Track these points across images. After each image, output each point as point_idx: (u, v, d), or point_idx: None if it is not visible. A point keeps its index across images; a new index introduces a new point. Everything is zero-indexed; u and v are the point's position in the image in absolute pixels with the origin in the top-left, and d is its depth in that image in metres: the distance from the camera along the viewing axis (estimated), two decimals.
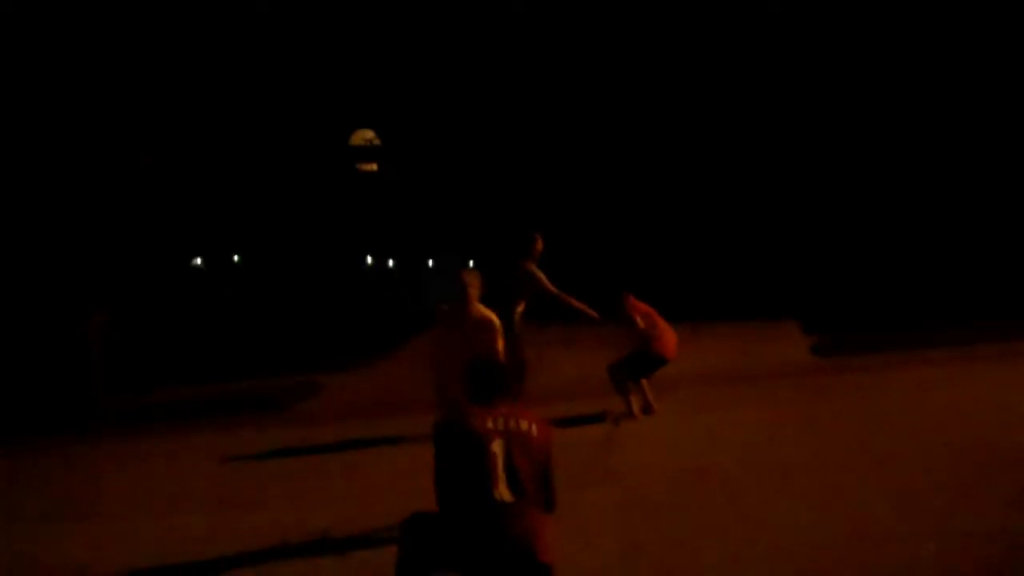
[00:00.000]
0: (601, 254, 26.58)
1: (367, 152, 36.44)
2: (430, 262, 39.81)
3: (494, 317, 8.45)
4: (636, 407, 10.36)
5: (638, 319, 10.34)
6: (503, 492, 4.32)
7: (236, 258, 38.32)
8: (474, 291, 8.54)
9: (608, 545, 5.97)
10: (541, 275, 10.56)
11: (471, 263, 37.13)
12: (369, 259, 41.32)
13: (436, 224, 36.05)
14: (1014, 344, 13.35)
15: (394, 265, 41.25)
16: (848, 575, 5.17)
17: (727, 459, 8.10)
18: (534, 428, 4.56)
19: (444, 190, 34.99)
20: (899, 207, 24.94)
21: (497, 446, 4.41)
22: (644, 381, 10.46)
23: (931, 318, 16.42)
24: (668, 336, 10.39)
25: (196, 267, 36.77)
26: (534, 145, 31.25)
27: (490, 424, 4.47)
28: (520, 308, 10.56)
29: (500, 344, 8.26)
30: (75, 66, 28.35)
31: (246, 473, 9.49)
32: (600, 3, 29.88)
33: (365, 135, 36.38)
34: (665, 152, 28.47)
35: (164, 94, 31.49)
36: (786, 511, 6.36)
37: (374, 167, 36.49)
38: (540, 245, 10.71)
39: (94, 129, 28.61)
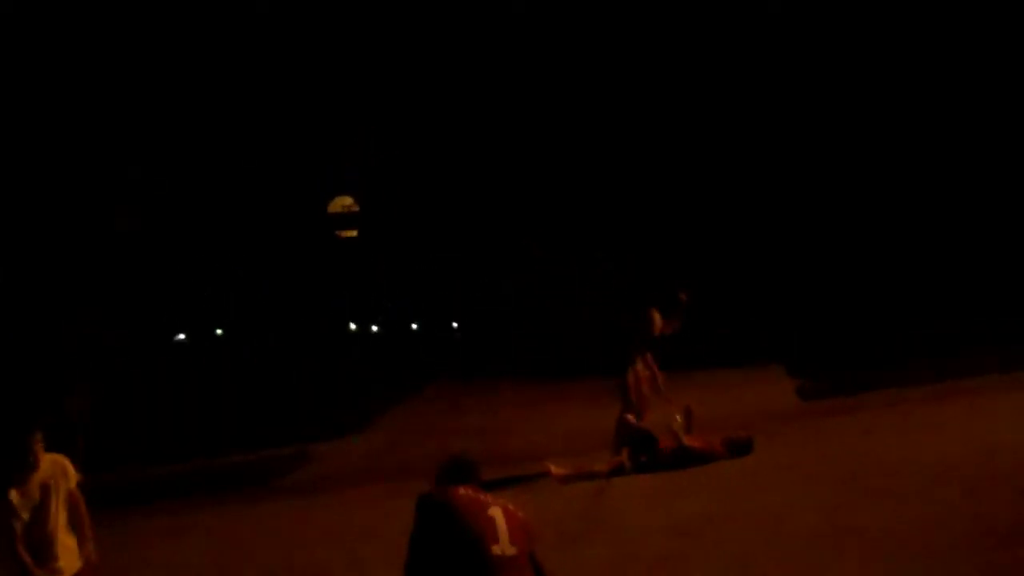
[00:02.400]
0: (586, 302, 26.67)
1: (346, 219, 36.61)
2: (414, 326, 39.83)
3: None
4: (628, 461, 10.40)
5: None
6: (505, 548, 4.38)
7: (219, 331, 38.25)
8: None
9: None
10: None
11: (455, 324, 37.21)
12: (352, 325, 41.30)
13: (419, 288, 36.11)
14: (991, 378, 13.46)
15: (378, 330, 41.24)
16: None
17: (716, 508, 8.12)
18: (516, 510, 4.64)
19: (426, 253, 35.07)
20: (875, 248, 25.16)
21: (495, 511, 4.48)
22: None
23: (912, 355, 16.53)
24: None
25: (180, 342, 36.68)
26: (507, 209, 31.44)
27: (483, 496, 4.56)
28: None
29: None
30: (44, 130, 28.45)
31: (241, 549, 9.44)
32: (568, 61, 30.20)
33: (343, 202, 36.59)
34: (646, 198, 28.64)
35: (144, 164, 31.60)
36: (776, 558, 6.38)
37: (354, 233, 36.64)
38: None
39: (68, 190, 28.64)
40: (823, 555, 6.24)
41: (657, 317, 10.90)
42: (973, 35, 24.69)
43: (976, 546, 5.87)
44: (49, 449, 5.89)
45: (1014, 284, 21.15)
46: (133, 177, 31.67)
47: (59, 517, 5.78)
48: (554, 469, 10.51)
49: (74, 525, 5.88)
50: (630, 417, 10.80)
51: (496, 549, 4.37)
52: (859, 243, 25.51)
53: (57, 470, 5.82)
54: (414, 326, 40.03)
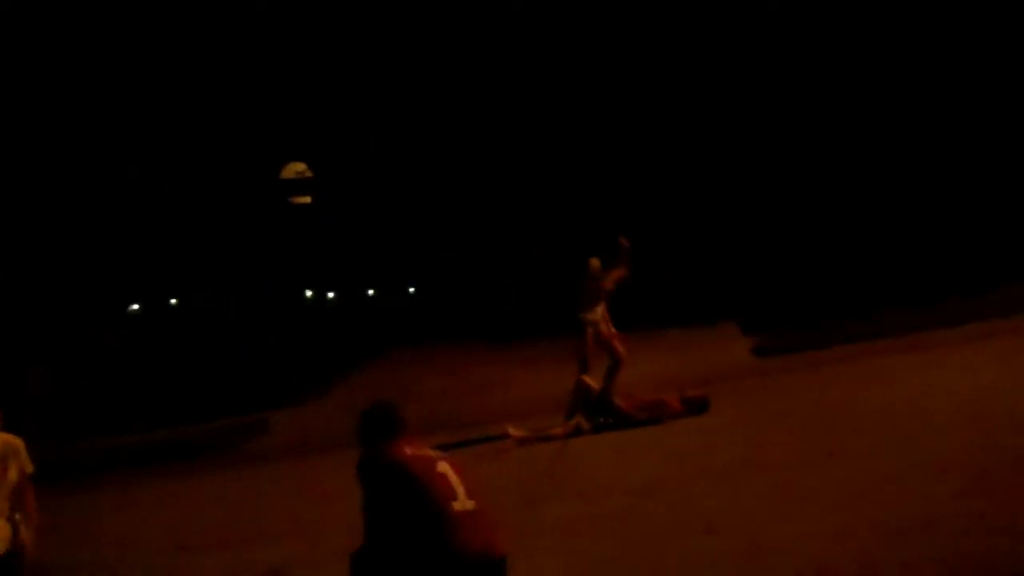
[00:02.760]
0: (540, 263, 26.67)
1: (299, 185, 36.25)
2: (370, 292, 39.64)
3: None
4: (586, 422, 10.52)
5: None
6: (464, 502, 4.39)
7: (173, 301, 37.84)
8: None
9: (572, 559, 6.03)
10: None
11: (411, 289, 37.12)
12: (308, 292, 41.03)
13: (376, 254, 35.88)
14: (945, 331, 13.69)
15: (334, 297, 41.01)
16: (805, 571, 5.27)
17: (675, 466, 8.22)
18: (444, 455, 4.66)
19: (382, 219, 34.83)
20: (830, 202, 25.36)
21: (443, 466, 4.48)
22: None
23: (864, 312, 16.75)
24: None
25: (133, 312, 36.25)
26: (466, 172, 31.30)
27: (427, 449, 4.56)
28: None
29: None
30: None
31: (201, 516, 9.43)
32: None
33: (296, 167, 36.19)
34: (602, 158, 28.62)
35: (95, 131, 31.09)
36: (735, 514, 6.46)
37: (307, 200, 36.31)
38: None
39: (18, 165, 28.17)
40: (782, 509, 6.32)
41: (597, 265, 11.01)
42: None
43: (931, 497, 5.97)
44: (9, 428, 5.71)
45: (970, 240, 21.47)
46: (86, 154, 31.14)
47: None
48: (512, 431, 10.59)
49: (16, 509, 5.62)
50: (587, 379, 10.93)
51: (457, 505, 4.37)
52: (815, 202, 25.69)
53: (9, 450, 5.61)
54: (370, 292, 39.84)
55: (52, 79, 30.02)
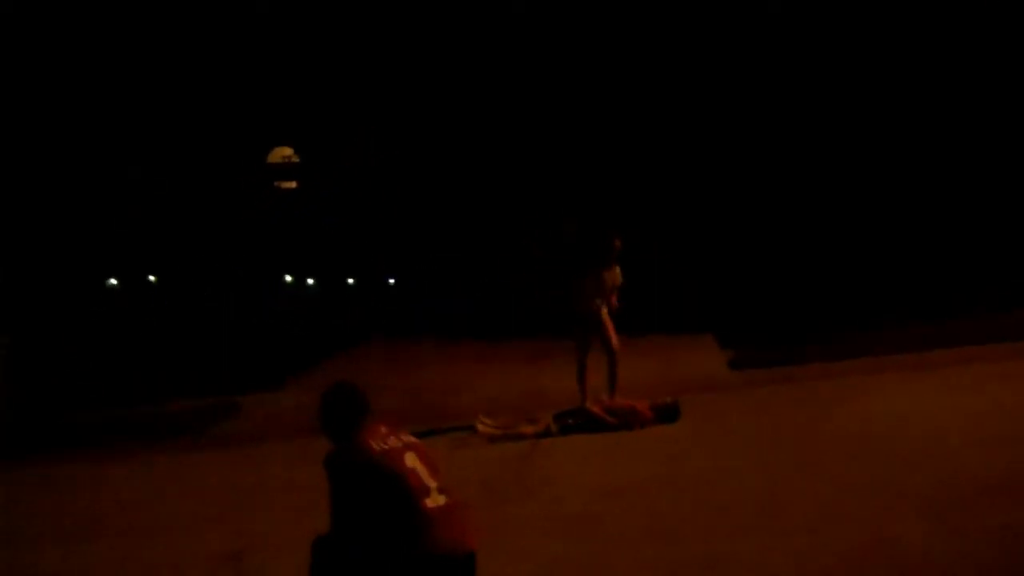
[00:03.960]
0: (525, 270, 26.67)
1: (285, 170, 36.17)
2: (350, 281, 39.58)
3: None
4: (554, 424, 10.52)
5: None
6: (436, 498, 4.35)
7: (152, 278, 37.68)
8: None
9: (531, 560, 6.01)
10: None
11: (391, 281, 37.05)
12: (288, 278, 40.95)
13: (357, 242, 35.82)
14: (922, 355, 13.74)
15: (314, 283, 40.94)
16: None
17: (643, 473, 8.22)
18: (412, 438, 4.60)
19: (367, 208, 34.76)
20: (808, 219, 25.44)
21: (411, 459, 4.43)
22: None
23: (843, 329, 16.80)
24: None
25: (111, 287, 36.09)
26: (454, 165, 31.25)
27: (392, 440, 4.49)
28: None
29: None
30: None
31: (161, 498, 9.37)
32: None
33: (283, 152, 36.11)
34: (580, 168, 28.63)
35: (76, 107, 30.89)
36: (698, 523, 6.47)
37: (293, 185, 36.22)
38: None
39: None
40: (745, 523, 6.32)
41: (595, 266, 11.15)
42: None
43: (899, 514, 5.99)
44: None
45: (950, 260, 21.59)
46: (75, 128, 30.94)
47: None
48: (482, 427, 10.57)
49: None
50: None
51: (429, 502, 4.34)
52: (800, 219, 25.76)
53: None
54: (350, 281, 39.78)
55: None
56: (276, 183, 36.75)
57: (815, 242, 24.73)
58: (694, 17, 27.62)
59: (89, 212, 31.57)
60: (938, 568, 5.08)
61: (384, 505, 4.33)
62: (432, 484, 4.38)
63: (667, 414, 10.41)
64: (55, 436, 14.06)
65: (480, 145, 30.68)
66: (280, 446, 11.95)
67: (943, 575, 5.01)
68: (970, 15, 24.26)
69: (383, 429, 4.58)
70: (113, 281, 36.33)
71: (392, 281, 37.51)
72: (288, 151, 35.92)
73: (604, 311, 11.28)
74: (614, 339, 11.29)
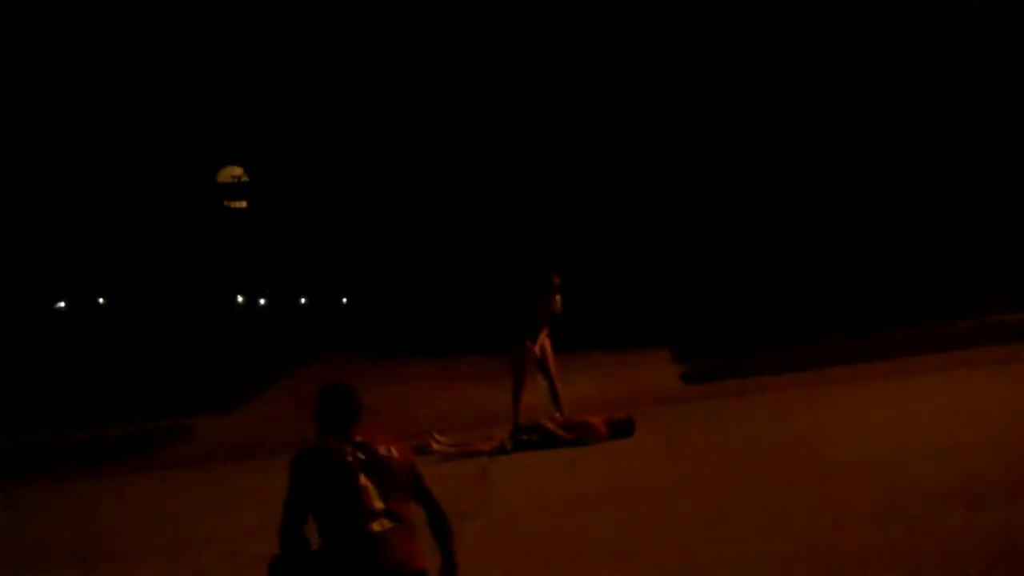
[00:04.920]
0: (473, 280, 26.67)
1: (235, 189, 35.87)
2: (302, 300, 39.34)
3: None
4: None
5: None
6: (382, 522, 4.31)
7: (101, 300, 37.21)
8: None
9: None
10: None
11: (344, 300, 36.86)
12: (240, 298, 40.61)
13: (308, 261, 35.61)
14: (872, 365, 13.92)
15: (265, 303, 40.64)
16: None
17: (596, 488, 8.23)
18: (393, 451, 4.55)
19: (317, 226, 34.59)
20: (760, 234, 25.70)
21: (364, 479, 4.39)
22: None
23: (795, 342, 16.95)
24: None
25: (59, 310, 35.59)
26: (405, 182, 31.22)
27: (351, 457, 4.44)
28: None
29: None
30: None
31: (116, 521, 9.24)
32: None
33: (233, 171, 35.82)
34: (529, 182, 28.71)
35: (15, 130, 30.49)
36: (653, 538, 6.48)
37: (243, 204, 35.93)
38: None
39: None
40: (700, 535, 6.35)
41: (535, 298, 11.52)
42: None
43: (847, 529, 6.04)
44: None
45: (897, 271, 21.90)
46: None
47: None
48: (436, 445, 10.54)
49: None
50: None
51: (376, 526, 4.30)
52: (748, 232, 26.01)
53: None
54: (303, 300, 39.54)
55: None
56: (226, 202, 36.41)
57: (766, 255, 24.98)
58: (655, 42, 27.87)
59: (36, 235, 31.14)
60: (890, 571, 5.13)
61: (325, 517, 4.33)
62: (379, 506, 4.34)
63: (622, 429, 10.45)
64: (3, 460, 13.80)
65: (430, 162, 30.69)
66: (231, 468, 11.85)
67: None
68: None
69: (360, 437, 4.53)
70: (62, 304, 35.83)
71: (344, 300, 37.35)
72: (238, 170, 35.61)
73: (544, 338, 11.61)
74: (551, 361, 11.63)
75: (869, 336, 16.30)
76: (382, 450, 4.50)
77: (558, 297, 11.68)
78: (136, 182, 34.20)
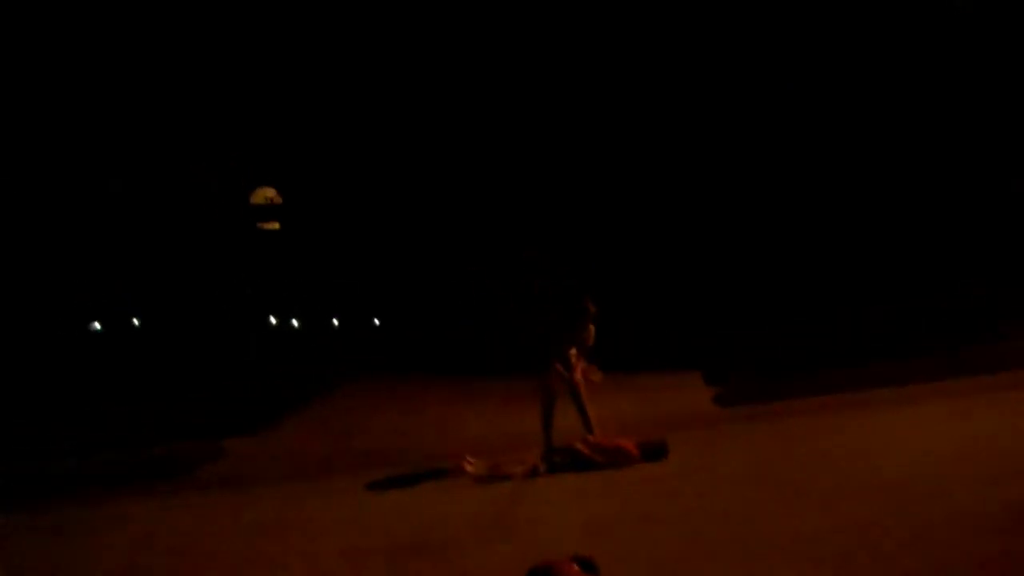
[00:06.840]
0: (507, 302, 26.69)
1: (268, 210, 36.13)
2: (335, 321, 39.46)
3: None
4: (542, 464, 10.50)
5: None
6: None
7: (136, 321, 37.50)
8: None
9: None
10: None
11: (376, 321, 36.97)
12: (273, 319, 40.79)
13: (341, 282, 35.77)
14: (907, 388, 13.77)
15: (299, 325, 40.79)
16: None
17: (632, 512, 8.18)
18: None
19: (349, 248, 34.76)
20: (793, 254, 25.57)
21: None
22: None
23: (831, 365, 16.80)
24: None
25: (94, 331, 35.87)
26: (438, 207, 31.34)
27: None
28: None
29: None
30: None
31: (152, 543, 9.25)
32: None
33: (266, 193, 36.09)
34: (570, 199, 28.74)
35: (66, 145, 30.86)
36: (688, 562, 6.43)
37: (276, 226, 36.18)
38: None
39: None
40: (733, 561, 6.30)
41: (568, 324, 11.53)
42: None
43: (888, 551, 5.97)
44: None
45: (942, 299, 21.69)
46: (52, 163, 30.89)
47: None
48: (469, 468, 10.53)
49: None
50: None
51: None
52: (783, 255, 25.90)
53: None
54: (335, 322, 39.66)
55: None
56: (259, 224, 36.69)
57: (801, 279, 24.84)
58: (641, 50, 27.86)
59: (71, 256, 31.46)
60: None
61: None
62: None
63: (655, 452, 10.38)
64: (36, 483, 13.87)
65: (465, 187, 30.78)
66: (265, 488, 11.84)
67: None
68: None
69: None
70: (96, 325, 36.12)
71: (377, 321, 37.42)
72: (271, 192, 35.91)
73: (582, 366, 11.60)
74: (582, 387, 11.54)
75: (906, 359, 16.13)
76: None
77: (591, 327, 11.60)
78: (171, 205, 34.50)
